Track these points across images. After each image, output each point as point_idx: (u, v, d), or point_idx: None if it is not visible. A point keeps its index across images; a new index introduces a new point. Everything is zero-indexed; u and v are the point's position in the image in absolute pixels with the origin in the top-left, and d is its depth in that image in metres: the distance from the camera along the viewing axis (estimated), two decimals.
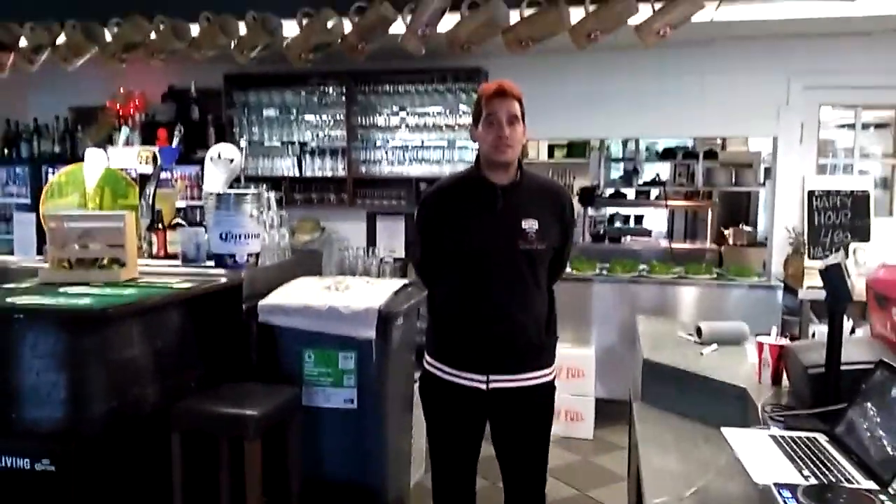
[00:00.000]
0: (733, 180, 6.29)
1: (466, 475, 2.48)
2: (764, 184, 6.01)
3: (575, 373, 4.46)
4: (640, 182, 7.12)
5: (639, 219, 8.21)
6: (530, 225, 2.25)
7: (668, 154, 6.89)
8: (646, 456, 2.17)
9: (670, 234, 7.68)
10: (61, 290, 2.68)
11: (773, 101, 4.70)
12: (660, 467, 2.03)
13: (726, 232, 6.36)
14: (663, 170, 7.35)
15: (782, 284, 4.47)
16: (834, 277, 1.84)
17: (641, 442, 2.33)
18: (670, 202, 6.86)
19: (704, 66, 4.73)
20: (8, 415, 2.39)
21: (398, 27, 3.17)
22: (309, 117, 5.41)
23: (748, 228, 6.40)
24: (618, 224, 7.83)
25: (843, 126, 5.66)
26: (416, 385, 3.63)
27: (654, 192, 7.15)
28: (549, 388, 2.39)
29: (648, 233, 7.72)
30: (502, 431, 2.41)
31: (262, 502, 2.60)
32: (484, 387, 2.30)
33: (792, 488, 1.40)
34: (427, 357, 2.43)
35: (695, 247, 6.68)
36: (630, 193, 7.22)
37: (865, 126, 5.58)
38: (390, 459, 3.10)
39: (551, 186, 2.44)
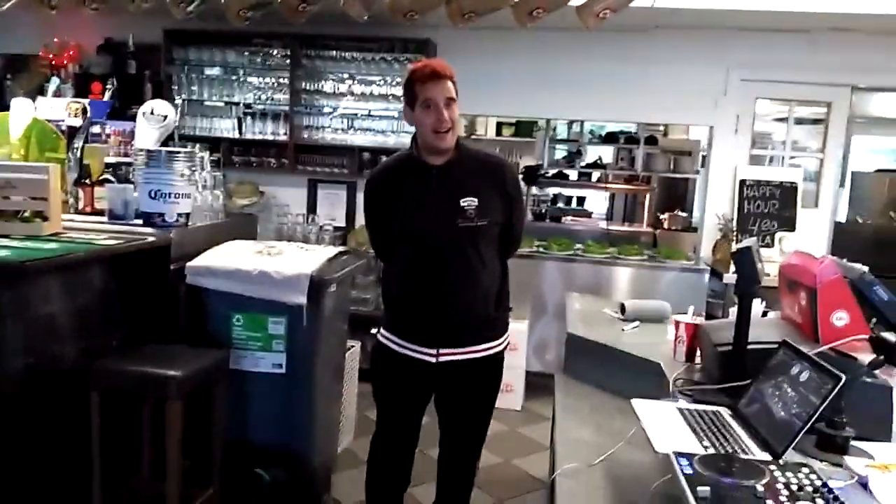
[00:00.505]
0: (672, 166, 6.43)
1: (408, 443, 2.55)
2: (699, 171, 6.17)
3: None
4: (583, 164, 7.21)
5: (581, 200, 8.34)
6: (469, 203, 2.26)
7: (610, 138, 6.98)
8: (563, 426, 2.24)
9: (609, 217, 7.82)
10: None
11: (712, 91, 4.82)
12: (575, 437, 2.11)
13: (662, 217, 6.52)
14: (606, 153, 7.46)
15: (709, 269, 4.62)
16: (744, 261, 1.92)
17: (560, 413, 2.41)
18: (610, 185, 6.99)
19: (648, 53, 4.81)
20: None
21: None
22: (252, 79, 5.30)
23: (684, 214, 6.57)
24: (560, 204, 7.93)
25: (779, 119, 5.84)
26: (349, 353, 3.66)
27: (596, 174, 7.26)
28: (498, 359, 2.46)
29: (589, 214, 7.85)
30: (448, 400, 2.48)
31: (181, 464, 2.57)
32: (433, 360, 2.35)
33: (689, 457, 1.47)
34: (382, 329, 2.48)
35: (632, 229, 6.83)
36: (573, 174, 7.31)
37: (801, 121, 5.78)
38: (318, 426, 3.10)
39: (491, 161, 2.43)
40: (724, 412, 1.85)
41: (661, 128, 7.16)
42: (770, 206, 4.85)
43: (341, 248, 3.43)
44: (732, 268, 4.34)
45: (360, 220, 5.25)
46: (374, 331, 4.68)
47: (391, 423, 2.55)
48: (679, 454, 1.49)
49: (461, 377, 2.41)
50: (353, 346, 3.82)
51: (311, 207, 5.35)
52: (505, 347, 2.49)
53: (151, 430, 2.72)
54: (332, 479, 3.39)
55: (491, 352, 2.42)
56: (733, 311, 2.06)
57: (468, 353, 2.37)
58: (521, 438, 4.12)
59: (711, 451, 1.61)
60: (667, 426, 1.74)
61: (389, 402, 2.53)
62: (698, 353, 2.35)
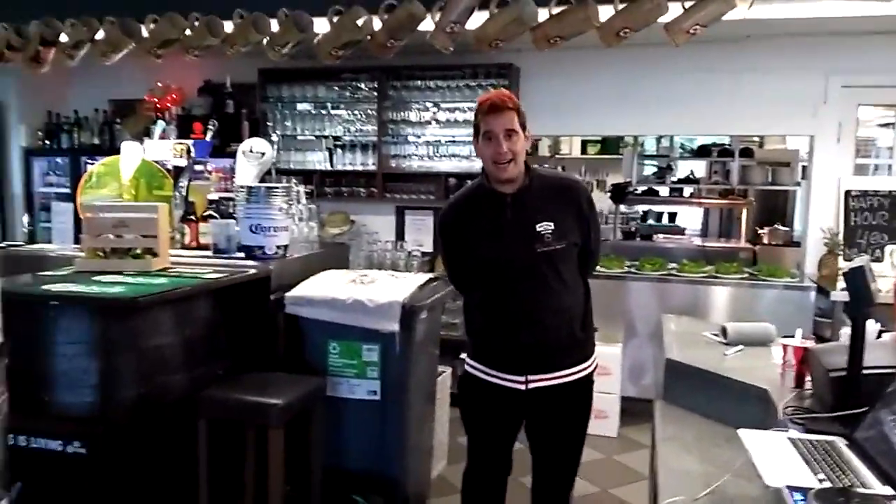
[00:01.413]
0: (770, 179, 6.18)
1: (501, 471, 2.53)
2: (800, 183, 5.89)
3: (600, 370, 4.37)
4: (674, 179, 7.03)
5: (672, 216, 8.12)
6: (545, 227, 2.26)
7: (703, 151, 6.79)
8: (664, 455, 2.16)
9: (704, 233, 7.58)
10: (95, 278, 2.76)
11: (811, 99, 4.60)
12: (678, 467, 2.02)
13: (762, 231, 6.25)
14: (698, 167, 7.26)
15: (815, 286, 4.38)
16: (857, 281, 1.81)
17: (661, 441, 2.32)
18: (704, 200, 6.76)
19: (740, 63, 4.65)
20: (41, 398, 2.47)
21: (427, 24, 3.18)
22: (341, 112, 5.46)
23: (784, 228, 6.28)
24: (650, 221, 7.75)
25: (884, 125, 5.53)
26: (440, 378, 3.68)
27: (688, 189, 7.06)
28: (587, 382, 2.43)
29: (681, 231, 7.62)
30: (539, 427, 2.46)
31: (284, 490, 2.64)
32: (523, 387, 2.34)
33: (804, 491, 1.39)
34: (467, 358, 2.49)
35: (729, 246, 6.57)
36: (663, 191, 7.13)
37: None
38: (411, 452, 3.13)
39: (564, 183, 2.42)
40: (839, 442, 1.74)
41: (757, 139, 6.90)
42: (879, 218, 4.56)
43: (431, 275, 3.47)
44: (841, 285, 4.15)
45: None
46: (463, 356, 4.70)
47: (482, 452, 2.53)
48: (792, 488, 1.42)
49: (551, 403, 2.38)
50: (443, 372, 3.83)
51: (400, 234, 5.44)
52: (594, 370, 2.45)
53: (255, 456, 2.81)
54: None
55: (580, 375, 2.38)
56: (844, 331, 1.95)
57: (557, 378, 2.34)
58: (617, 466, 4.00)
59: (827, 484, 1.52)
60: (777, 458, 1.66)
61: (480, 431, 2.51)
62: (807, 378, 2.22)
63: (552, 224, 2.26)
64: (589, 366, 2.41)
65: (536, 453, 2.49)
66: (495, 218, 2.31)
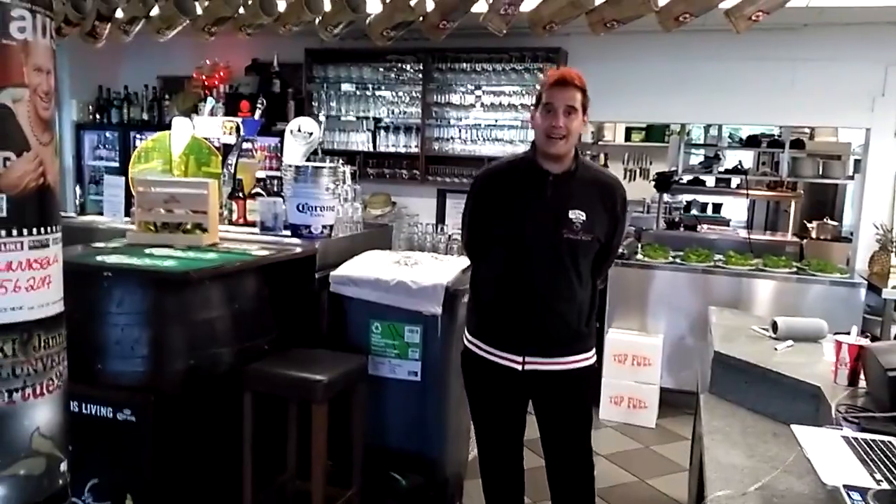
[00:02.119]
0: (820, 171, 6.02)
1: (510, 452, 2.53)
2: (853, 177, 5.73)
3: (640, 360, 4.40)
4: (721, 169, 6.89)
5: (717, 207, 7.98)
6: (577, 215, 2.26)
7: (751, 142, 6.63)
8: (711, 448, 2.13)
9: (750, 225, 7.43)
10: (147, 251, 2.82)
11: (868, 90, 4.48)
12: (725, 460, 2.00)
13: (810, 225, 6.11)
14: (746, 157, 7.10)
15: (865, 282, 4.27)
16: None
17: (707, 433, 2.29)
18: (752, 192, 6.61)
19: (795, 51, 4.54)
20: (94, 366, 2.53)
21: (480, 6, 3.15)
22: (385, 93, 5.48)
23: (833, 223, 6.13)
24: (694, 212, 7.62)
25: None
26: None
27: (736, 180, 6.91)
28: (586, 372, 2.41)
29: (726, 222, 7.49)
30: (542, 413, 2.46)
31: (326, 465, 2.68)
32: (519, 367, 2.34)
33: (862, 491, 1.36)
34: (467, 333, 2.49)
35: (775, 239, 6.43)
36: (710, 181, 7.00)
37: None
38: (450, 433, 3.15)
39: (605, 179, 2.42)
40: None
41: (807, 131, 6.72)
42: None
43: None
44: (893, 282, 4.03)
45: None
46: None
47: (488, 433, 2.53)
48: (850, 488, 1.39)
49: (549, 388, 2.38)
50: None
51: (440, 217, 5.44)
52: (592, 363, 2.43)
53: (297, 430, 2.85)
54: (464, 485, 3.41)
55: (577, 365, 2.37)
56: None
57: (555, 364, 2.34)
58: (655, 457, 3.97)
59: (885, 485, 1.48)
60: (833, 455, 1.62)
61: (482, 410, 2.52)
62: (861, 376, 2.17)
63: (584, 215, 2.26)
64: (586, 358, 2.40)
65: (543, 439, 2.48)
66: (533, 193, 2.30)
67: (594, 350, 2.45)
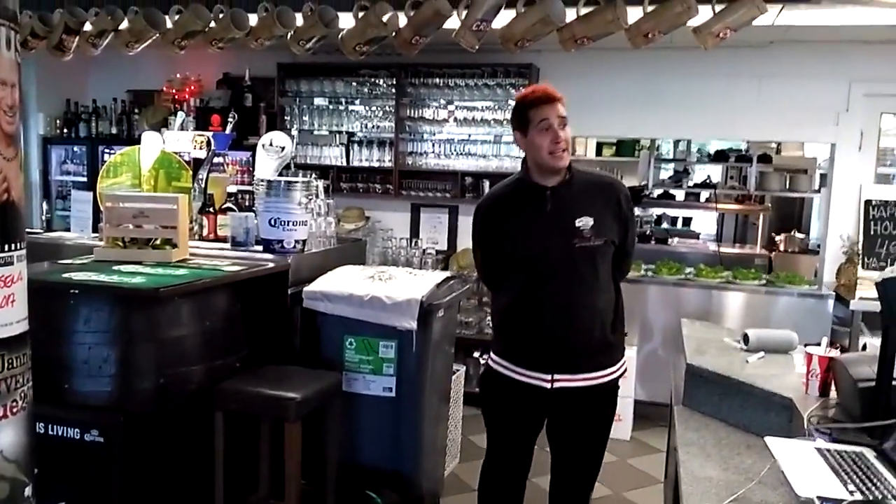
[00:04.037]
0: (787, 185, 6.14)
1: (520, 470, 2.52)
2: (819, 190, 5.85)
3: None
4: (691, 184, 6.99)
5: (687, 221, 8.07)
6: (584, 222, 2.25)
7: (720, 156, 6.75)
8: (686, 460, 2.14)
9: (719, 238, 7.52)
10: (115, 268, 2.77)
11: (833, 107, 4.58)
12: (700, 473, 2.01)
13: (778, 238, 6.21)
14: (714, 172, 7.21)
15: (833, 294, 4.35)
16: (890, 291, 1.79)
17: (681, 446, 2.30)
18: (721, 205, 6.72)
19: (762, 68, 4.63)
20: (60, 386, 2.47)
21: (453, 22, 3.17)
22: (358, 108, 5.47)
23: (801, 235, 6.24)
24: (665, 225, 7.70)
25: None
26: (454, 377, 3.67)
27: (705, 194, 7.02)
28: (613, 386, 2.41)
29: (696, 235, 7.58)
30: (561, 429, 2.44)
31: (300, 484, 2.64)
32: (548, 385, 2.31)
33: (836, 502, 1.37)
34: (492, 355, 2.46)
35: (744, 252, 6.53)
36: (679, 195, 7.10)
37: None
38: (426, 449, 3.12)
39: (603, 180, 2.43)
40: (868, 453, 1.73)
41: (774, 145, 6.85)
42: None
43: (448, 274, 3.46)
44: (860, 294, 4.11)
45: (462, 243, 5.27)
46: (476, 354, 4.66)
47: (503, 450, 2.51)
48: (823, 499, 1.40)
49: (575, 405, 2.36)
50: (458, 370, 3.83)
51: (415, 231, 5.44)
52: (621, 374, 2.43)
53: (270, 449, 2.81)
54: (440, 503, 3.39)
55: (606, 379, 2.36)
56: (865, 340, 1.92)
57: (584, 379, 2.32)
58: (631, 470, 3.99)
59: (858, 496, 1.50)
60: (806, 467, 1.64)
61: (502, 429, 2.49)
62: (832, 387, 2.20)
63: (591, 220, 2.25)
64: (616, 370, 2.39)
65: (557, 455, 2.47)
66: (534, 211, 2.30)
67: (623, 361, 2.43)
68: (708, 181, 6.97)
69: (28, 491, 1.57)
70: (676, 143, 7.20)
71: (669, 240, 6.82)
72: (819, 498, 1.40)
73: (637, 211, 6.90)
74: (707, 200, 7.05)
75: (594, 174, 2.50)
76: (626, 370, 2.46)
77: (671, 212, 7.79)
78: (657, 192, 7.01)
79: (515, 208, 2.35)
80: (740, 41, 3.62)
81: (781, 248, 6.02)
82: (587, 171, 2.46)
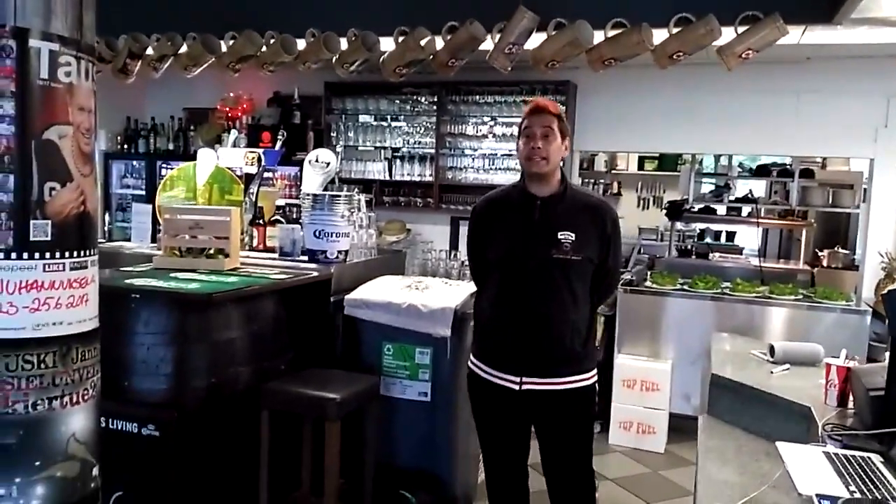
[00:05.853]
0: (830, 200, 6.10)
1: (515, 474, 2.59)
2: (859, 206, 5.79)
3: (649, 386, 4.47)
4: (732, 198, 6.97)
5: (730, 235, 8.02)
6: (566, 236, 2.36)
7: (762, 171, 6.73)
8: (705, 466, 2.23)
9: (762, 253, 7.46)
10: (172, 275, 2.98)
11: (871, 122, 4.58)
12: (717, 477, 2.09)
13: (821, 254, 6.15)
14: (757, 187, 7.18)
15: (871, 310, 4.33)
16: (894, 303, 1.86)
17: (703, 453, 2.38)
18: (763, 220, 6.69)
19: (800, 84, 4.66)
20: (121, 383, 2.68)
21: (487, 44, 3.32)
22: (401, 124, 5.66)
23: (845, 251, 6.16)
24: (707, 240, 7.68)
25: None
26: None
27: (747, 209, 6.99)
28: (584, 393, 2.47)
29: (740, 250, 7.53)
30: (542, 434, 2.53)
31: (338, 481, 2.79)
32: (516, 387, 2.41)
33: (833, 499, 1.45)
34: (471, 356, 2.58)
35: (787, 267, 6.47)
36: (721, 209, 7.08)
37: None
38: (459, 453, 3.24)
39: (594, 202, 2.52)
40: (875, 459, 1.79)
41: (819, 160, 6.80)
42: None
43: None
44: None
45: None
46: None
47: (492, 452, 2.60)
48: (822, 496, 1.48)
49: (547, 408, 2.44)
50: None
51: (454, 243, 5.58)
52: (592, 383, 2.49)
53: (311, 447, 2.97)
54: None
55: (576, 385, 2.43)
56: None
57: (552, 384, 2.40)
58: (663, 482, 4.03)
59: (858, 496, 1.57)
60: (812, 469, 1.72)
61: (486, 430, 2.59)
62: (850, 397, 2.26)
63: (573, 235, 2.35)
64: (584, 378, 2.45)
65: (543, 459, 2.54)
66: (522, 217, 2.42)
67: (594, 371, 2.52)
68: (750, 195, 6.94)
69: (95, 471, 1.76)
70: (718, 157, 7.19)
71: (710, 254, 6.81)
72: (818, 495, 1.48)
73: (678, 225, 6.92)
74: (749, 215, 7.01)
75: (587, 194, 2.63)
76: (595, 381, 2.51)
77: (714, 226, 7.76)
78: (698, 206, 7.00)
79: (506, 212, 2.49)
80: (777, 57, 3.68)
81: (824, 263, 5.96)
82: (583, 190, 2.60)
